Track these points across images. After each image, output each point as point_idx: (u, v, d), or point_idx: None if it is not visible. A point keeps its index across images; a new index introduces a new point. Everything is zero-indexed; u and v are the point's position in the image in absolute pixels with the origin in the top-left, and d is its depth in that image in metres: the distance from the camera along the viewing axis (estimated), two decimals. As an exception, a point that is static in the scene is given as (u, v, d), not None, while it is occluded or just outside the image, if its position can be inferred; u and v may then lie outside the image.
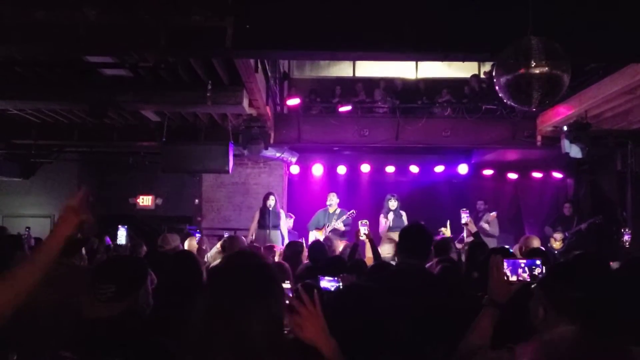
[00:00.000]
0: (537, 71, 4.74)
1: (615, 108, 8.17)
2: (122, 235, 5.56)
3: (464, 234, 8.36)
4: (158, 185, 12.16)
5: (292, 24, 5.74)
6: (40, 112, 8.87)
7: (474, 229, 6.85)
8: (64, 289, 3.65)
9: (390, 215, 9.44)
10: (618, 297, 1.95)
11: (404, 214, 9.56)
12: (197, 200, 12.03)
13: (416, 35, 5.54)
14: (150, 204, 12.26)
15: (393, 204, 9.51)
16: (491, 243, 8.87)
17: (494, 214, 10.13)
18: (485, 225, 9.90)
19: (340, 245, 7.38)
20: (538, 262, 2.54)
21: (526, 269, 2.52)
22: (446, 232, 8.75)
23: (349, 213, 9.23)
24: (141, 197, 12.30)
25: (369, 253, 6.33)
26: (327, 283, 3.54)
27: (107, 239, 7.58)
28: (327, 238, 6.88)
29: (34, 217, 11.49)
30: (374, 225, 6.74)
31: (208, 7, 5.50)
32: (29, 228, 7.73)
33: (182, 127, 9.63)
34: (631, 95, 7.40)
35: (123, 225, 5.72)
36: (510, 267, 2.49)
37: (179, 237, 6.77)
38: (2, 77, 7.18)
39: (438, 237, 8.14)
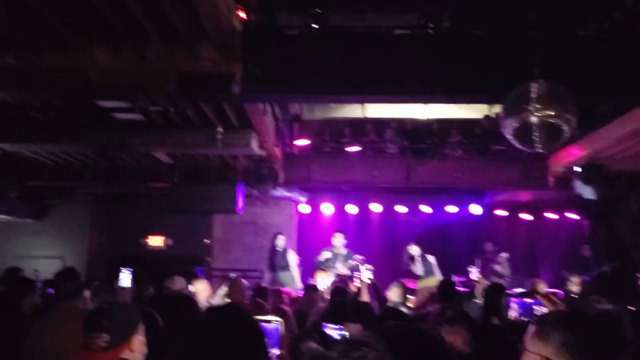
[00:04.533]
0: (541, 115, 4.74)
1: (627, 149, 8.09)
2: (125, 278, 5.51)
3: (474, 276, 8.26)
4: (169, 226, 12.17)
5: (298, 70, 5.83)
6: (53, 154, 9.00)
7: (486, 284, 6.72)
8: (63, 335, 3.63)
9: (417, 264, 9.17)
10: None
11: (431, 257, 9.30)
12: (207, 241, 12.02)
13: (420, 78, 5.58)
14: (161, 244, 12.26)
15: (414, 250, 9.26)
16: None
17: (505, 254, 9.98)
18: (498, 267, 9.75)
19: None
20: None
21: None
22: (473, 273, 8.51)
23: (355, 257, 9.08)
24: (152, 237, 12.31)
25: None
26: (332, 331, 3.47)
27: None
28: (337, 284, 6.75)
29: (46, 258, 11.51)
30: (382, 268, 6.64)
31: (217, 53, 5.61)
32: (37, 271, 7.74)
33: (193, 168, 9.71)
34: (642, 137, 7.34)
35: (128, 267, 5.68)
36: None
37: (184, 280, 6.71)
38: (17, 120, 7.33)
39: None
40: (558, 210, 12.33)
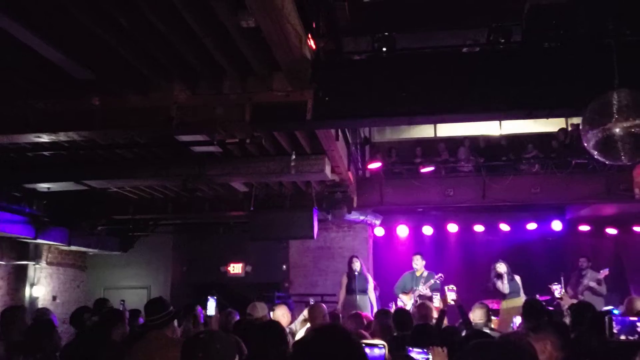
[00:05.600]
0: (625, 125, 4.55)
1: None
2: (211, 306, 5.66)
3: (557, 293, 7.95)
4: (247, 253, 12.44)
5: (367, 94, 5.88)
6: (137, 189, 9.46)
7: (569, 302, 6.44)
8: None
9: (504, 282, 8.90)
10: None
11: (518, 278, 8.97)
12: (284, 267, 12.19)
13: (500, 95, 5.49)
14: (240, 271, 12.53)
15: (502, 267, 8.93)
16: (599, 303, 8.31)
17: (605, 271, 9.48)
18: (593, 284, 9.28)
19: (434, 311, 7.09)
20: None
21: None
22: (557, 290, 8.15)
23: (436, 277, 8.92)
24: (232, 265, 12.60)
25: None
26: (417, 355, 3.42)
27: (199, 309, 7.76)
28: (422, 304, 6.65)
29: (132, 288, 12.04)
30: (462, 288, 6.50)
31: (289, 83, 5.77)
32: (123, 301, 8.06)
33: (268, 195, 9.92)
34: None
35: (212, 295, 5.84)
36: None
37: (266, 306, 6.80)
38: (103, 158, 7.77)
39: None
40: (647, 223, 11.67)
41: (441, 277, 8.83)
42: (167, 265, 12.64)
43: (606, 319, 3.05)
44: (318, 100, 5.79)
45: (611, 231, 11.94)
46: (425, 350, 3.46)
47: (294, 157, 7.62)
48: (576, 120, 10.97)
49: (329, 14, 6.51)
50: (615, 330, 2.31)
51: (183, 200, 10.01)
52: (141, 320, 6.94)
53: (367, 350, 2.29)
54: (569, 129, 11.60)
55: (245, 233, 10.71)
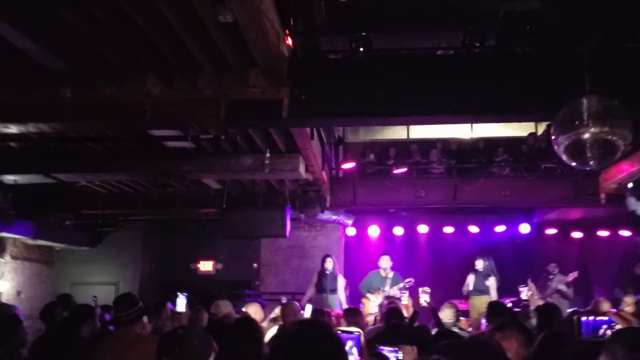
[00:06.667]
0: (594, 131, 4.66)
1: (683, 163, 7.85)
2: (181, 303, 5.61)
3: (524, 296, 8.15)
4: (218, 251, 12.36)
5: (343, 93, 5.89)
6: (107, 183, 9.31)
7: (536, 303, 6.60)
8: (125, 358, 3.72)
9: (471, 277, 9.13)
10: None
11: (492, 279, 9.19)
12: (255, 265, 12.14)
13: (474, 98, 5.56)
14: (211, 269, 12.44)
15: (479, 264, 9.23)
16: (564, 306, 8.52)
17: (575, 274, 9.73)
18: (562, 287, 9.51)
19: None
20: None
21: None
22: (525, 292, 8.39)
23: (407, 281, 8.98)
24: (202, 262, 12.50)
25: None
26: (388, 353, 3.45)
27: (170, 305, 7.67)
28: (391, 303, 6.70)
29: (100, 284, 11.83)
30: (431, 289, 6.56)
31: (265, 80, 5.74)
32: (95, 297, 7.94)
33: (241, 193, 9.87)
34: (699, 150, 7.11)
35: (182, 292, 5.79)
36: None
37: (230, 304, 6.75)
38: (73, 151, 7.62)
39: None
40: (610, 227, 11.97)
41: (411, 282, 8.90)
42: (136, 262, 12.46)
43: (574, 319, 3.13)
44: (294, 98, 5.78)
45: (577, 235, 12.23)
46: (396, 349, 3.48)
47: (268, 155, 7.60)
48: (545, 125, 11.21)
49: (306, 12, 6.50)
50: (582, 331, 2.36)
51: (154, 196, 9.88)
52: (108, 316, 6.84)
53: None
54: (539, 133, 11.84)
55: (216, 230, 10.64)
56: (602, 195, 9.68)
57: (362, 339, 2.85)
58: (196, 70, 5.71)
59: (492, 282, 9.18)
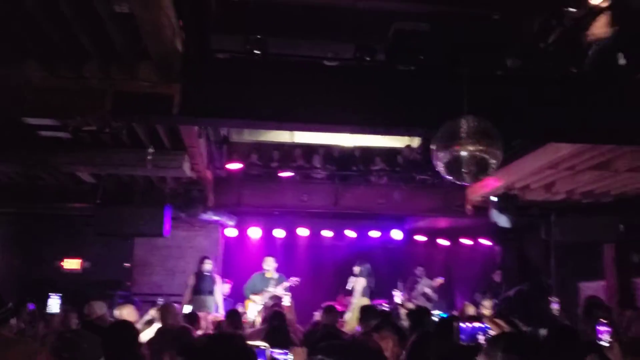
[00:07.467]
0: (470, 149, 5.06)
1: (539, 181, 8.71)
2: (54, 304, 5.27)
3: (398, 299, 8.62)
4: (87, 248, 11.70)
5: (237, 94, 5.86)
6: (-32, 171, 8.47)
7: (409, 306, 7.04)
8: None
9: (351, 280, 9.50)
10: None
11: (361, 279, 9.66)
12: (127, 264, 11.64)
13: (361, 110, 5.78)
14: (78, 267, 11.74)
15: (355, 269, 9.70)
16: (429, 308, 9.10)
17: (441, 279, 10.43)
18: (428, 290, 10.15)
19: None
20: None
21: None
22: (398, 296, 8.92)
23: (294, 280, 9.13)
24: (67, 260, 11.76)
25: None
26: (278, 355, 3.51)
27: (31, 305, 7.15)
28: (274, 305, 6.79)
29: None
30: (309, 291, 6.79)
31: (156, 74, 5.55)
32: None
33: (117, 188, 9.42)
34: (554, 170, 7.94)
35: (54, 292, 5.45)
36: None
37: (105, 305, 6.48)
38: None
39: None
40: (473, 236, 12.99)
41: (297, 281, 9.08)
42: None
43: (454, 325, 3.40)
44: (186, 95, 5.64)
45: (443, 242, 13.11)
46: (286, 351, 3.56)
47: (151, 150, 7.35)
48: (419, 138, 11.91)
49: (201, 10, 6.38)
50: (461, 336, 2.58)
51: (20, 189, 9.12)
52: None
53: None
54: (414, 145, 12.55)
55: (87, 227, 10.06)
56: (469, 207, 10.48)
57: (269, 352, 2.89)
58: (83, 59, 5.38)
59: (360, 283, 9.65)
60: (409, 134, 9.09)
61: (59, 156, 7.40)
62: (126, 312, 6.86)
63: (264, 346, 2.90)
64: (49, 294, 5.28)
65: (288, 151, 12.28)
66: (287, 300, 7.40)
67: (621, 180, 8.25)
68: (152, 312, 6.99)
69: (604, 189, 8.88)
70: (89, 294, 9.58)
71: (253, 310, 8.73)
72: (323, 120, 6.12)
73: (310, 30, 8.45)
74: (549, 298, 7.63)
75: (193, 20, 5.89)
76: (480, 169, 5.11)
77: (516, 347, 2.29)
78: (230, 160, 10.36)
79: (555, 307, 7.34)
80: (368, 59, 6.21)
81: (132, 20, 4.55)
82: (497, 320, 4.31)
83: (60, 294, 5.29)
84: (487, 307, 10.57)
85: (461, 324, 2.94)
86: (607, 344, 3.87)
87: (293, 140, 13.01)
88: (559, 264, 10.36)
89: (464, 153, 5.04)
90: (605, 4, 6.26)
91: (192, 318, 6.44)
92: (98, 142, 7.18)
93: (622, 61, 6.33)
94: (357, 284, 9.81)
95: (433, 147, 5.38)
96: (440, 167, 5.30)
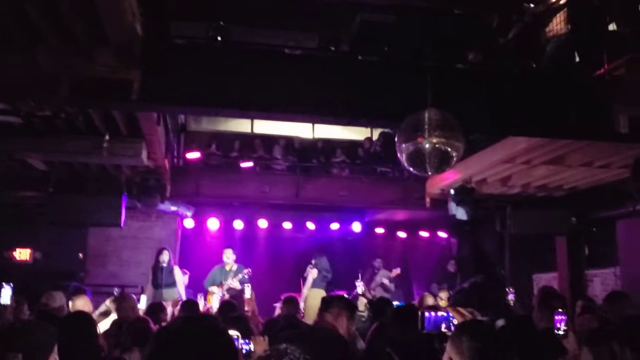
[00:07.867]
0: (433, 141, 5.10)
1: (496, 174, 8.89)
2: (6, 295, 5.08)
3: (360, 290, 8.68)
4: (38, 238, 11.28)
5: (199, 81, 5.74)
6: None
7: (369, 297, 7.10)
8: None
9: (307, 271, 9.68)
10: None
11: (312, 271, 9.73)
12: (81, 255, 11.33)
13: (325, 100, 5.75)
14: (28, 258, 11.32)
15: (313, 262, 9.80)
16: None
17: (397, 270, 10.54)
18: (385, 281, 10.26)
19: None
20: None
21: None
22: (360, 287, 8.99)
23: (245, 271, 9.07)
24: (18, 250, 11.33)
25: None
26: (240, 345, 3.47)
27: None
28: (232, 297, 6.73)
29: None
30: (268, 283, 6.79)
31: (116, 59, 5.38)
32: None
33: (69, 177, 9.13)
34: (510, 164, 8.11)
35: (5, 282, 5.25)
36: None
37: (63, 296, 6.32)
38: None
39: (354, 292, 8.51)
40: (431, 229, 13.18)
41: (249, 272, 9.01)
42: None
43: (419, 313, 3.45)
44: (146, 81, 5.48)
45: (401, 234, 13.27)
46: (247, 340, 3.53)
47: (107, 137, 7.15)
48: (379, 130, 11.99)
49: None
50: (425, 325, 2.63)
51: (-33, 175, 8.75)
52: None
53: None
54: (374, 138, 12.63)
55: (39, 216, 9.72)
56: (427, 200, 10.61)
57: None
58: (37, 42, 5.16)
59: (312, 274, 9.73)
60: (373, 125, 9.13)
61: (11, 143, 7.10)
62: (80, 303, 6.68)
63: (237, 335, 2.86)
64: (1, 283, 5.07)
65: (248, 141, 12.17)
66: (248, 292, 7.34)
67: (574, 174, 8.50)
68: (108, 303, 6.83)
69: (558, 183, 9.13)
70: (41, 285, 9.31)
71: (215, 303, 8.64)
72: (286, 109, 6.06)
73: (273, 19, 8.37)
74: (505, 289, 7.80)
75: (153, 5, 5.74)
76: (443, 162, 5.16)
77: (480, 334, 2.33)
78: (189, 150, 10.19)
79: (511, 297, 7.51)
80: (332, 48, 6.17)
81: (90, 4, 4.38)
82: (460, 309, 4.38)
83: (11, 285, 5.08)
84: (442, 298, 10.79)
85: (426, 314, 2.99)
86: (562, 333, 3.97)
87: (253, 130, 12.90)
88: (513, 256, 10.63)
89: (426, 145, 5.08)
90: (563, 1, 6.42)
91: (157, 309, 6.30)
92: (52, 127, 6.93)
93: (577, 58, 6.52)
94: (310, 275, 9.89)
95: (397, 138, 5.40)
96: (404, 159, 5.33)
